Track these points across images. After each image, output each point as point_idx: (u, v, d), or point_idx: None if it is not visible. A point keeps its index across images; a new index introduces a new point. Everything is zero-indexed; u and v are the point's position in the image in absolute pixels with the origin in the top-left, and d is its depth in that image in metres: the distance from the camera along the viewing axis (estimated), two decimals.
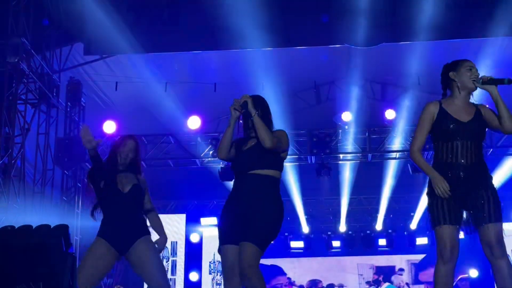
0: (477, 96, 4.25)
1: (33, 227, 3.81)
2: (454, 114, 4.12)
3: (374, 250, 15.39)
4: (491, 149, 12.29)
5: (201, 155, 12.77)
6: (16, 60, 10.01)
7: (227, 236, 4.29)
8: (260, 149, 4.30)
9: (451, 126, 4.08)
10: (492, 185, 4.11)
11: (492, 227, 3.91)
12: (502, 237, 3.93)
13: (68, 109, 12.20)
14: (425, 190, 4.20)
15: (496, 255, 3.91)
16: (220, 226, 4.38)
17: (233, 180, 4.49)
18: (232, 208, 4.32)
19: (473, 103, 4.24)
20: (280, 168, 4.43)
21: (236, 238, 4.21)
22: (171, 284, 14.10)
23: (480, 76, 4.12)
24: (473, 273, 14.13)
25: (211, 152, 12.53)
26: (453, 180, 4.02)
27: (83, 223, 11.52)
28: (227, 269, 4.26)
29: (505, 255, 3.92)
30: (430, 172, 4.08)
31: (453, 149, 4.07)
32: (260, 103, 4.44)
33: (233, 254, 4.21)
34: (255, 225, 4.17)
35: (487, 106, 4.25)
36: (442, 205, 3.99)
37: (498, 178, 12.91)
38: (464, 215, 4.06)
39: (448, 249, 3.94)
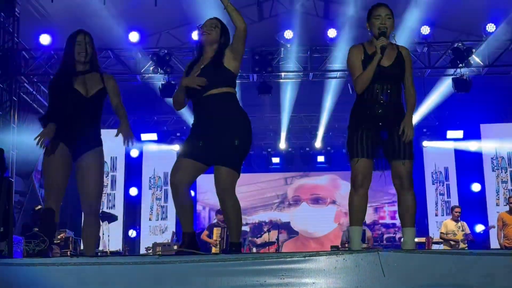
0: None
1: None
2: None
3: (312, 166, 15.74)
4: (429, 70, 12.50)
5: (142, 71, 12.58)
6: None
7: (189, 151, 4.28)
8: (212, 68, 4.32)
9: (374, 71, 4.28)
10: None
11: (406, 163, 4.28)
12: (412, 173, 4.33)
13: (2, 20, 11.72)
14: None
15: (405, 186, 4.31)
16: (186, 144, 4.36)
17: (192, 105, 4.42)
18: (199, 132, 4.30)
19: (396, 45, 4.43)
20: (234, 84, 4.44)
21: (202, 156, 4.24)
22: (111, 199, 14.19)
23: (380, 39, 4.25)
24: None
25: (151, 68, 12.36)
26: (372, 116, 4.27)
27: (19, 138, 11.27)
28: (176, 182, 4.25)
29: (412, 188, 4.33)
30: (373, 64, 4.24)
31: (373, 91, 4.29)
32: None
33: (188, 168, 4.24)
34: (227, 147, 4.22)
35: (407, 49, 4.49)
36: (361, 140, 4.26)
37: (434, 98, 13.22)
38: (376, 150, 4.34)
39: (360, 179, 4.27)
